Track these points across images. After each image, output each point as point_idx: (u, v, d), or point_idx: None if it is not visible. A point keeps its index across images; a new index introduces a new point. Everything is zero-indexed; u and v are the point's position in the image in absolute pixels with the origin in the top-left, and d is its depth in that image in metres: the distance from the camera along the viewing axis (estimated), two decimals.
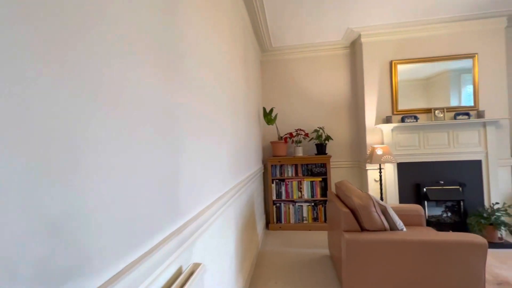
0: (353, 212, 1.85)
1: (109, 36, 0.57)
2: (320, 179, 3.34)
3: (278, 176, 3.43)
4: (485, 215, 2.65)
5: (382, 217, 1.76)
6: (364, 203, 1.77)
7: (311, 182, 3.36)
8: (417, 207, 2.26)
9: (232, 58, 1.91)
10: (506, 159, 2.95)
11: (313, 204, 3.36)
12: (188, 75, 1.02)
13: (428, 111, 3.08)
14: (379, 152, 2.84)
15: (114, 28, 0.59)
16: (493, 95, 2.98)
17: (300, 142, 3.49)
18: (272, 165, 3.42)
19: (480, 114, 2.92)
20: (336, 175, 3.62)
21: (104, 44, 0.56)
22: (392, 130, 3.13)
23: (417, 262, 1.59)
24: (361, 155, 3.47)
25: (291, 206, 3.39)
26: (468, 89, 3.02)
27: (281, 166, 3.43)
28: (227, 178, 1.60)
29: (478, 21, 2.95)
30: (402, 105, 3.14)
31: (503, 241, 2.61)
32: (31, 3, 0.40)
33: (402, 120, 3.07)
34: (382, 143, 3.16)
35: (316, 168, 3.37)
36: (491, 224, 2.59)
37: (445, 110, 3.01)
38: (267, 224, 3.58)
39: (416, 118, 3.06)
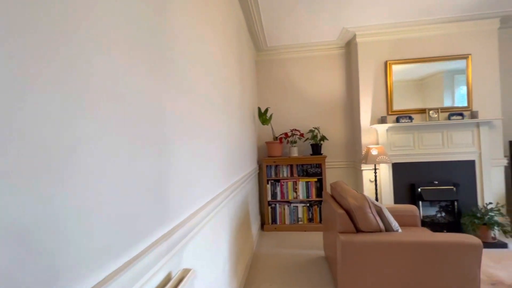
0: (348, 213, 1.83)
1: (94, 31, 0.53)
2: (316, 179, 3.32)
3: (273, 176, 3.40)
4: (478, 215, 2.66)
5: (378, 218, 1.75)
6: (359, 204, 1.75)
7: (307, 182, 3.34)
8: (412, 207, 2.26)
9: (226, 57, 1.87)
10: (499, 159, 2.97)
11: (308, 204, 3.34)
12: (178, 74, 0.98)
13: (422, 111, 3.09)
14: (374, 152, 2.84)
15: (99, 24, 0.55)
16: (486, 96, 3.00)
17: (295, 142, 3.47)
18: (267, 166, 3.39)
19: (473, 115, 2.94)
20: (331, 176, 3.61)
21: (89, 39, 0.52)
22: (387, 130, 3.12)
23: (413, 263, 1.58)
24: (356, 156, 3.46)
25: (286, 206, 3.37)
26: (461, 90, 3.04)
27: (276, 166, 3.41)
28: (220, 179, 1.56)
29: (472, 22, 2.97)
30: (397, 106, 3.15)
31: (496, 240, 2.62)
32: None
33: (397, 121, 3.08)
34: (377, 144, 3.16)
35: (312, 168, 3.35)
36: (484, 224, 2.60)
37: (439, 110, 3.02)
38: (262, 225, 3.55)
39: (410, 118, 3.06)
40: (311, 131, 3.43)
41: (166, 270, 0.80)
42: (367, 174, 3.21)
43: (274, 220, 3.38)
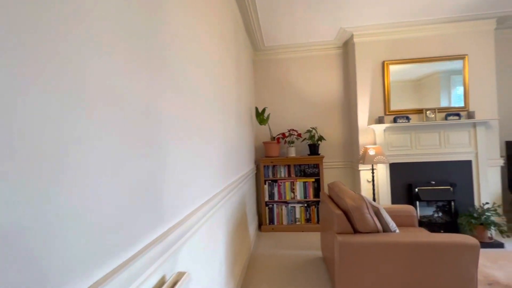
0: (346, 214, 1.82)
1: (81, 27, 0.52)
2: (313, 179, 3.31)
3: (270, 176, 3.39)
4: (475, 215, 2.67)
5: (375, 219, 1.74)
6: (357, 204, 1.74)
7: (304, 182, 3.33)
8: (410, 207, 2.26)
9: (223, 57, 1.86)
10: (496, 159, 2.98)
11: (306, 205, 3.33)
12: (175, 74, 0.96)
13: (419, 111, 3.09)
14: (371, 152, 2.83)
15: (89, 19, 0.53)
16: (483, 96, 3.01)
17: (292, 142, 3.46)
18: (264, 166, 3.37)
19: (470, 115, 2.95)
20: (329, 176, 3.61)
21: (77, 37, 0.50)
22: (385, 130, 3.13)
23: (410, 264, 1.58)
24: (353, 156, 3.46)
25: (283, 207, 3.35)
26: (458, 91, 3.05)
27: (273, 166, 3.39)
28: (216, 180, 1.54)
29: (469, 23, 2.98)
30: (394, 106, 3.15)
31: (493, 240, 2.63)
32: None
33: (394, 121, 3.08)
34: (375, 144, 3.16)
35: (309, 168, 3.35)
36: (481, 224, 2.61)
37: (436, 110, 3.03)
38: (260, 226, 3.53)
39: (408, 118, 3.07)
40: (308, 131, 3.42)
41: (160, 274, 0.78)
42: (365, 174, 3.21)
43: (271, 221, 3.37)
